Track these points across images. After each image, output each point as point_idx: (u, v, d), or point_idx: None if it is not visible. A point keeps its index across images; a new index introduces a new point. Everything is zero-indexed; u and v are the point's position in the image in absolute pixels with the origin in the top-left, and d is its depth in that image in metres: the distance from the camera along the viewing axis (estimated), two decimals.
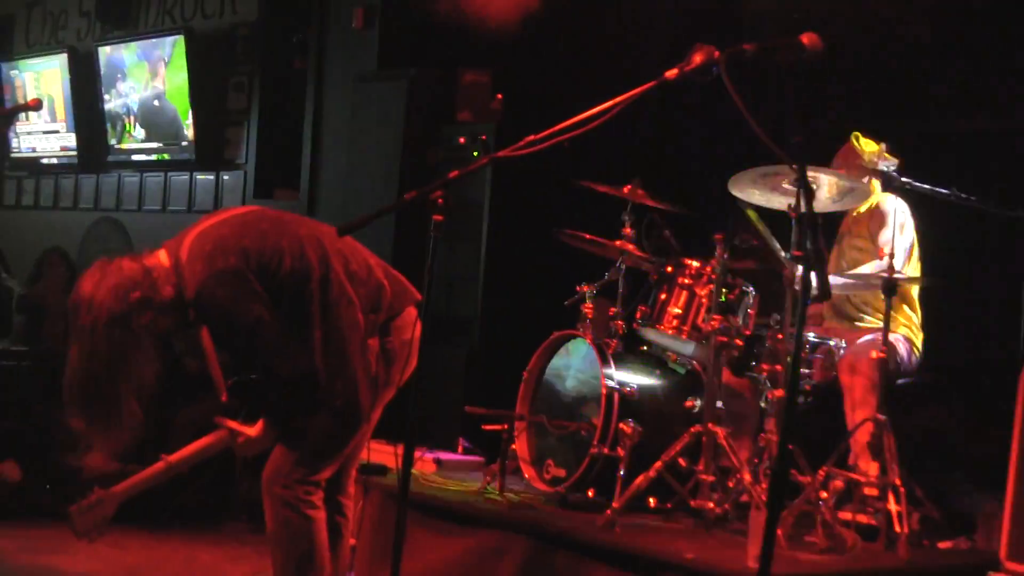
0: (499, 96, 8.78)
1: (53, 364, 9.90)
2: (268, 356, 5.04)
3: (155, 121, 11.99)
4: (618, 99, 4.22)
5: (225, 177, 11.44)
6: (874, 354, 6.30)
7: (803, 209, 3.88)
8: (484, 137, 8.49)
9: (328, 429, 5.22)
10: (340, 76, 10.27)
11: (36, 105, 8.06)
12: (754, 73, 4.48)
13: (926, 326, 6.89)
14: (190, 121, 11.50)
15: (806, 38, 4.15)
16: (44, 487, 8.63)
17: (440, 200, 4.27)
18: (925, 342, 6.88)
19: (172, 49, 11.57)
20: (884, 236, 6.74)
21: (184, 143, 11.62)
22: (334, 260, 5.13)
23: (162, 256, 5.10)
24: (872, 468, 6.19)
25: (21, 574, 6.96)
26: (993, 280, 7.00)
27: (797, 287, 4.37)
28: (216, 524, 8.50)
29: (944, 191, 6.55)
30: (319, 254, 5.11)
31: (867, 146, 6.83)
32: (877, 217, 6.83)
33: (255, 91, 11.26)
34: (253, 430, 5.20)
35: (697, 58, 4.24)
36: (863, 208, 6.90)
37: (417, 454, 7.46)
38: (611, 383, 6.55)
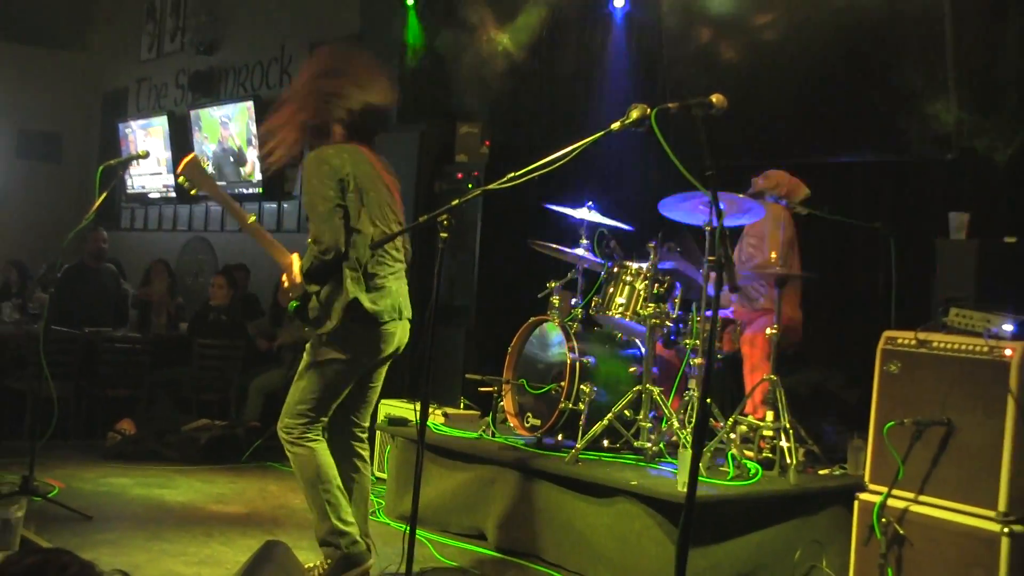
0: (487, 143, 8.77)
1: (158, 346, 9.95)
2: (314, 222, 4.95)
3: (224, 163, 11.93)
4: (576, 145, 4.18)
5: (285, 205, 11.42)
6: (768, 330, 6.27)
7: (715, 224, 3.84)
8: (476, 173, 8.48)
9: (317, 379, 5.06)
10: None
11: (144, 155, 7.94)
12: (677, 123, 4.45)
13: (811, 308, 6.86)
14: (255, 164, 11.46)
15: (715, 98, 4.10)
16: (151, 438, 8.59)
17: (445, 222, 4.26)
18: (808, 319, 6.84)
19: (244, 111, 11.52)
20: (772, 244, 6.70)
21: (254, 180, 11.56)
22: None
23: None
24: (768, 415, 6.17)
25: (136, 503, 6.90)
26: (859, 272, 6.97)
27: (712, 283, 4.30)
28: (281, 464, 8.44)
29: (816, 212, 6.51)
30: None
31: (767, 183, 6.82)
32: (767, 226, 6.78)
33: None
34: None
35: (634, 113, 4.22)
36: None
37: (431, 409, 7.42)
38: (574, 355, 6.50)
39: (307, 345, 5.14)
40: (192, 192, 5.14)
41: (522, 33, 8.53)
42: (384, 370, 5.40)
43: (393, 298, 5.07)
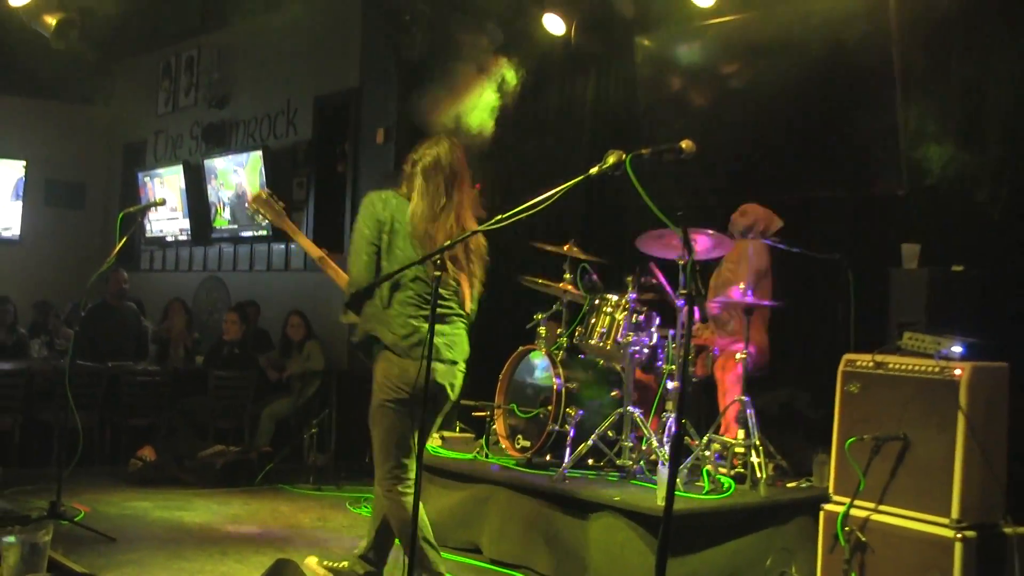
0: (478, 186, 8.74)
1: (176, 378, 9.95)
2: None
3: (238, 208, 11.97)
4: (556, 190, 4.20)
5: (292, 246, 11.40)
6: (738, 355, 6.29)
7: (686, 259, 3.87)
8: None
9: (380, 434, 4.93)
10: (369, 176, 10.30)
11: (161, 202, 7.98)
12: (651, 167, 4.49)
13: (779, 333, 6.88)
14: None
15: (685, 143, 4.13)
16: (171, 464, 8.58)
17: (439, 260, 4.28)
18: (775, 345, 6.86)
19: (254, 160, 11.56)
20: (742, 273, 6.72)
21: (263, 224, 11.57)
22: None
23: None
24: (740, 434, 6.18)
25: (157, 525, 6.89)
26: (821, 300, 6.99)
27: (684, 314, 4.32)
28: (292, 485, 8.43)
29: (782, 244, 6.55)
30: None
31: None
32: (742, 255, 6.80)
33: (312, 186, 11.23)
34: None
35: (610, 159, 4.21)
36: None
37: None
38: (559, 381, 6.52)
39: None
40: (262, 221, 5.15)
41: (508, 86, 8.57)
42: (438, 420, 5.32)
43: (421, 335, 4.88)
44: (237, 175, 11.90)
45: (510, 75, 8.52)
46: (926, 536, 4.99)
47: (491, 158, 8.54)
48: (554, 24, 8.40)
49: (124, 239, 6.56)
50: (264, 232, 11.50)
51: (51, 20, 8.40)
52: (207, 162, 12.39)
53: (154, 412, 9.58)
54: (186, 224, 12.90)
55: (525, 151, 8.83)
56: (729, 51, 7.55)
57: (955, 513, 4.93)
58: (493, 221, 4.21)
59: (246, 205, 5.19)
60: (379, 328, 4.89)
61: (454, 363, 5.08)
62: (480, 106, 8.49)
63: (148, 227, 13.62)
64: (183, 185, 12.77)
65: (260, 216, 5.22)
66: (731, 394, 6.41)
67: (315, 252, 5.13)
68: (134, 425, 9.51)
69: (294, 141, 11.52)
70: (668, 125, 7.74)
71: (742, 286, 6.39)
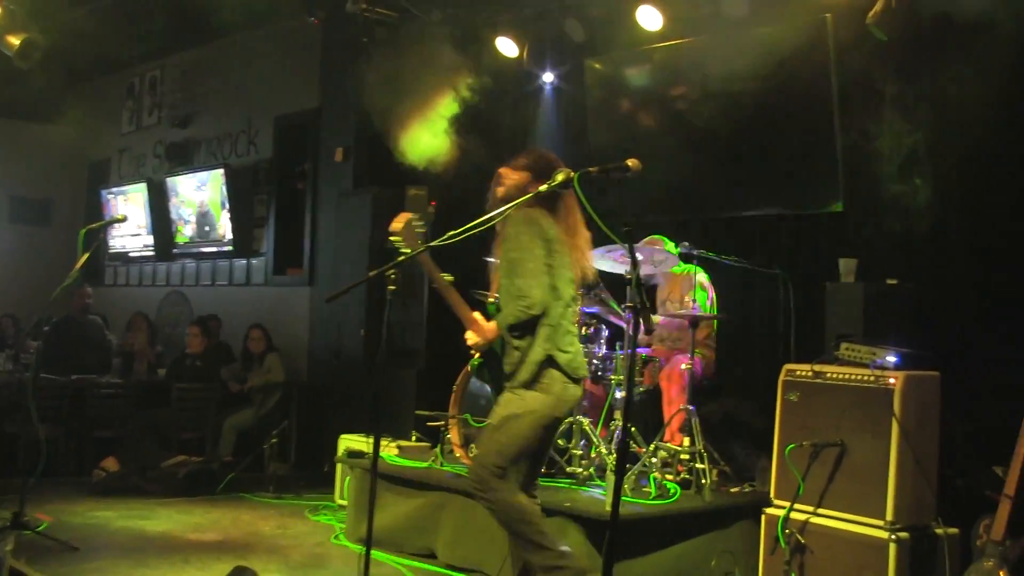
0: (433, 203, 8.79)
1: (140, 391, 9.88)
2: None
3: (201, 224, 11.91)
4: (507, 206, 4.26)
5: (253, 262, 11.39)
6: (683, 366, 6.34)
7: (632, 275, 3.91)
8: (424, 231, 8.46)
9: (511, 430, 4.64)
10: (328, 193, 10.31)
11: (123, 218, 7.95)
12: (599, 185, 4.55)
13: (723, 345, 6.95)
14: (226, 224, 11.44)
15: (631, 162, 4.20)
16: (134, 474, 8.50)
17: (392, 275, 4.29)
18: (719, 355, 6.92)
19: (216, 177, 11.51)
20: (686, 289, 6.80)
21: (225, 239, 11.54)
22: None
23: None
24: (685, 441, 6.21)
25: (120, 534, 6.83)
26: (762, 313, 7.06)
27: (630, 326, 4.34)
28: (252, 494, 8.39)
29: (725, 259, 6.60)
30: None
31: (667, 245, 6.88)
32: (685, 279, 6.87)
33: (272, 204, 11.21)
34: (487, 324, 4.77)
35: (559, 176, 4.32)
36: (676, 269, 6.94)
37: (385, 443, 7.45)
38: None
39: (500, 398, 4.77)
40: (400, 249, 4.69)
41: (463, 107, 8.60)
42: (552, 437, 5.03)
43: (582, 357, 4.78)
44: (199, 192, 11.85)
45: (465, 96, 8.58)
46: (862, 538, 5.06)
47: (446, 176, 8.60)
48: (507, 47, 8.46)
49: (87, 255, 6.51)
50: (230, 248, 11.45)
51: (14, 41, 8.34)
52: (169, 180, 12.32)
53: (118, 424, 9.50)
54: (150, 240, 12.81)
55: (479, 169, 8.83)
56: (675, 74, 7.62)
57: (889, 515, 5.01)
58: (445, 236, 4.27)
59: (391, 230, 4.49)
60: (555, 350, 4.65)
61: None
62: (437, 126, 8.54)
63: (112, 243, 13.51)
64: (147, 202, 12.69)
65: (400, 243, 4.73)
66: (677, 403, 6.44)
67: (440, 279, 4.86)
68: (99, 437, 9.41)
69: (255, 160, 11.48)
70: (616, 145, 7.79)
71: (687, 299, 6.44)
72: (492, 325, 4.74)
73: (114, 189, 13.43)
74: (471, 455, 6.69)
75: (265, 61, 11.28)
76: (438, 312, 8.49)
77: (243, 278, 11.54)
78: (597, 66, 8.21)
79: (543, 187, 4.38)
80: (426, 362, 8.60)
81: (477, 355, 4.83)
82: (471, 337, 4.78)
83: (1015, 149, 5.84)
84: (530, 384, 4.64)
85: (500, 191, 4.87)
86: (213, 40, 11.70)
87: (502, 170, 4.95)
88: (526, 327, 4.65)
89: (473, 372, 4.87)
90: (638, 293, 3.80)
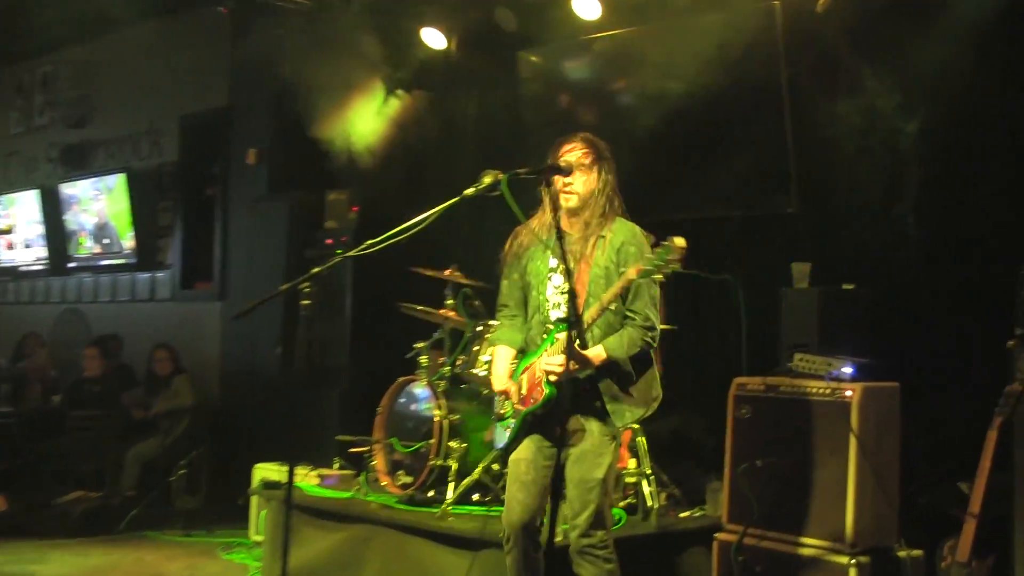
0: (354, 208, 8.79)
1: (32, 420, 9.75)
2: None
3: (101, 236, 11.80)
4: (430, 212, 4.25)
5: (158, 275, 11.31)
6: None
7: (566, 285, 3.94)
8: (344, 239, 8.50)
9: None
10: (240, 199, 10.25)
11: (8, 230, 7.87)
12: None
13: (670, 359, 6.98)
14: (131, 235, 11.35)
15: (563, 162, 4.23)
16: (23, 513, 8.40)
17: (307, 289, 4.27)
18: (666, 370, 6.95)
19: (116, 183, 11.41)
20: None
21: (127, 251, 11.44)
22: None
23: None
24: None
25: None
26: (712, 323, 7.12)
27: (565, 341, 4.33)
28: (158, 532, 8.31)
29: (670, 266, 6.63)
30: None
31: None
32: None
33: (179, 211, 11.16)
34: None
35: (486, 179, 4.31)
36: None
37: (304, 472, 7.42)
38: (441, 413, 6.53)
39: (593, 438, 4.56)
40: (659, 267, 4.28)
41: (389, 103, 8.60)
42: None
43: None
44: (99, 200, 11.74)
45: (389, 92, 8.58)
46: (821, 562, 5.13)
47: (369, 179, 8.60)
48: (433, 39, 8.46)
49: None
50: (133, 260, 11.36)
51: None
52: (65, 186, 12.19)
53: (7, 456, 9.37)
54: (43, 252, 12.66)
55: (405, 171, 8.85)
56: (615, 66, 7.66)
57: (849, 537, 5.07)
58: (364, 246, 4.22)
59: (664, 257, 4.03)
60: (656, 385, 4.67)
61: None
62: (358, 125, 8.53)
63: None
64: (39, 211, 12.53)
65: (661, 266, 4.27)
66: None
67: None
68: None
69: (159, 163, 11.41)
70: (553, 144, 7.81)
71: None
72: (599, 352, 4.50)
73: (1, 197, 13.25)
74: (399, 483, 6.67)
75: (169, 55, 11.17)
76: (362, 327, 8.51)
77: (147, 293, 11.44)
78: (532, 58, 8.23)
79: (467, 191, 4.37)
80: (349, 382, 8.56)
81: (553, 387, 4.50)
82: (555, 367, 4.40)
83: (980, 144, 5.96)
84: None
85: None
86: (111, 32, 11.58)
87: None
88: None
89: (547, 402, 4.52)
90: (572, 306, 3.82)
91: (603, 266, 4.56)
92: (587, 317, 4.39)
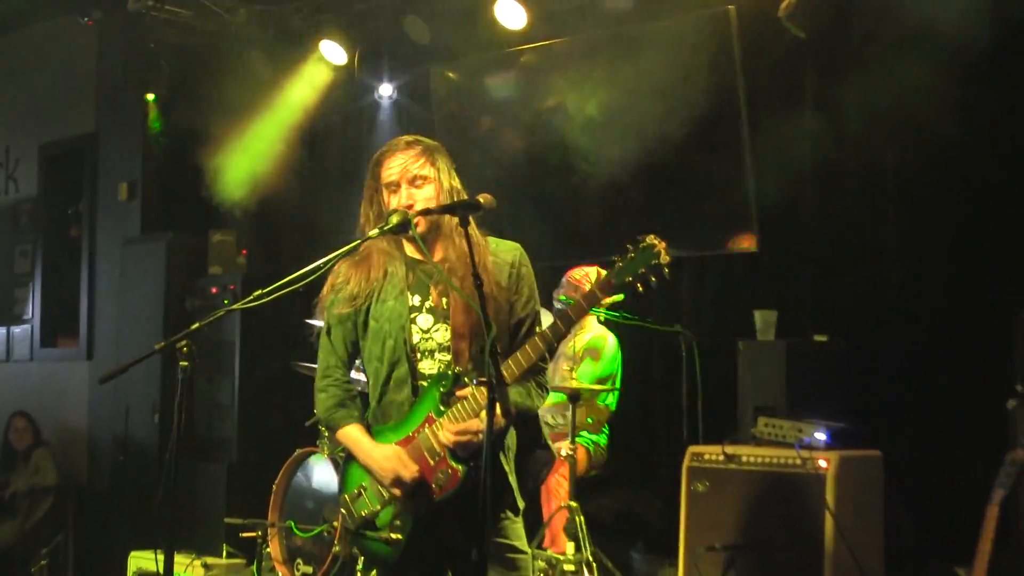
0: (244, 252, 8.68)
1: None
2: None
3: None
4: (329, 256, 4.12)
5: (15, 331, 11.13)
6: (564, 452, 6.23)
7: (488, 340, 3.79)
8: (232, 287, 8.43)
9: None
10: (110, 241, 10.11)
11: None
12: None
13: (615, 424, 6.89)
14: None
15: (483, 197, 4.11)
16: None
17: (184, 349, 4.07)
18: (611, 437, 6.87)
19: None
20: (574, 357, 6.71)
21: None
22: None
23: None
24: (569, 547, 6.12)
25: None
26: (662, 381, 7.07)
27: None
28: None
29: (608, 315, 6.57)
30: None
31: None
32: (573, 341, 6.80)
33: (38, 256, 10.99)
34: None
35: (394, 218, 4.19)
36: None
37: (188, 560, 7.43)
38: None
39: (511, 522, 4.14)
40: None
41: (282, 128, 8.51)
42: None
43: None
44: None
45: (282, 115, 8.47)
46: None
47: (260, 217, 8.46)
48: (333, 53, 8.34)
49: None
50: None
51: None
52: None
53: None
54: None
55: (303, 207, 8.76)
56: (545, 82, 7.65)
57: None
58: (250, 298, 4.06)
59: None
60: None
61: None
62: (246, 153, 8.42)
63: None
64: None
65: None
66: (556, 499, 6.37)
67: None
68: None
69: (15, 199, 11.26)
70: (474, 173, 7.74)
71: (565, 368, 6.37)
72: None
73: None
74: (298, 573, 6.54)
75: (26, 74, 11.07)
76: (252, 390, 8.40)
77: (1, 353, 11.25)
78: (448, 74, 8.26)
79: (372, 232, 4.19)
80: (238, 454, 8.43)
81: None
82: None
83: (962, 170, 5.96)
84: None
85: None
86: None
87: None
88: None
89: (463, 483, 4.04)
90: (493, 363, 3.66)
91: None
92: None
